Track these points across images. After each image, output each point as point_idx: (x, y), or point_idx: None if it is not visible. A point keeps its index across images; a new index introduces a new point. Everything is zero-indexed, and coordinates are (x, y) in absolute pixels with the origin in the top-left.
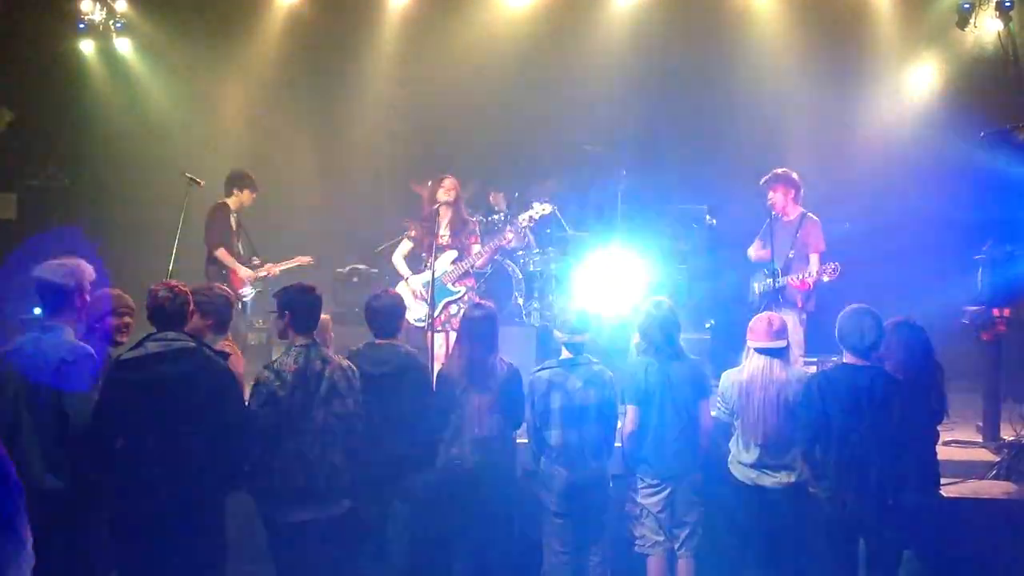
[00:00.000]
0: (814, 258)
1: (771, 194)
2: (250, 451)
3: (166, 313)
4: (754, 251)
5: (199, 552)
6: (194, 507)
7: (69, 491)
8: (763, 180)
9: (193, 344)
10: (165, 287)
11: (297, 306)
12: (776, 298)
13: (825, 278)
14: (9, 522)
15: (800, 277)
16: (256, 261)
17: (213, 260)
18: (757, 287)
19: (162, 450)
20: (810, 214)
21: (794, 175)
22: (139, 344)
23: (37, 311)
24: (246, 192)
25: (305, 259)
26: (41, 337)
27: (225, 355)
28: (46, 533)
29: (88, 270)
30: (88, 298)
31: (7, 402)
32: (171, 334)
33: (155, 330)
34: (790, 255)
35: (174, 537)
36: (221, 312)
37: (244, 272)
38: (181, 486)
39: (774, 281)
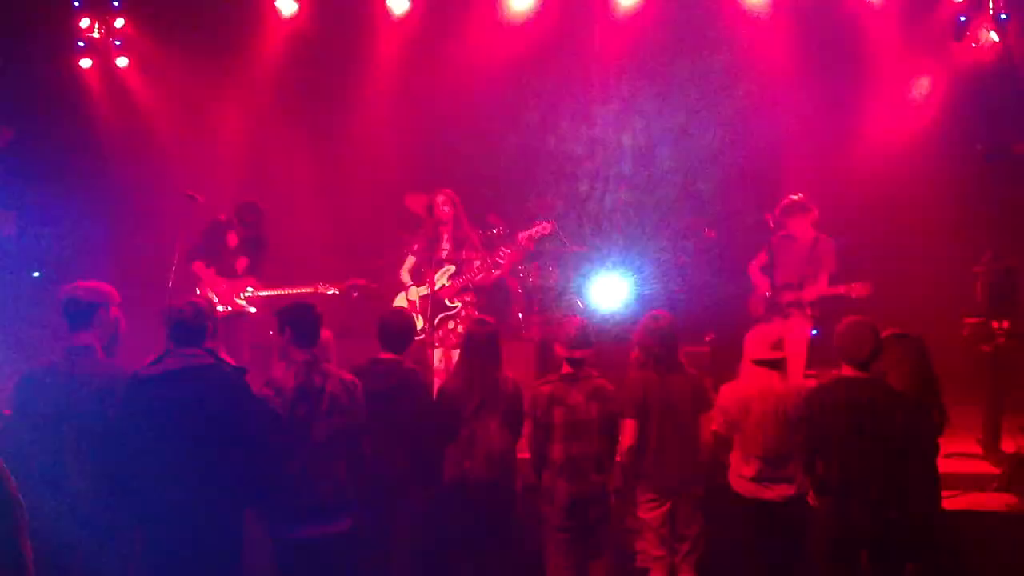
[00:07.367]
0: (823, 277)
1: (792, 223)
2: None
3: (189, 329)
4: (756, 268)
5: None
6: (214, 523)
7: None
8: (782, 208)
9: (213, 360)
10: (190, 303)
11: (298, 323)
12: (785, 313)
13: (853, 295)
14: (9, 539)
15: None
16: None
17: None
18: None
19: (182, 467)
20: (823, 235)
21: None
22: (158, 360)
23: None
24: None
25: (306, 288)
26: (75, 361)
27: (243, 371)
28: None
29: (115, 294)
30: (111, 316)
31: (52, 427)
32: (190, 350)
33: (173, 346)
34: (806, 273)
35: (191, 557)
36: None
37: (211, 294)
38: (202, 504)
39: (797, 296)
